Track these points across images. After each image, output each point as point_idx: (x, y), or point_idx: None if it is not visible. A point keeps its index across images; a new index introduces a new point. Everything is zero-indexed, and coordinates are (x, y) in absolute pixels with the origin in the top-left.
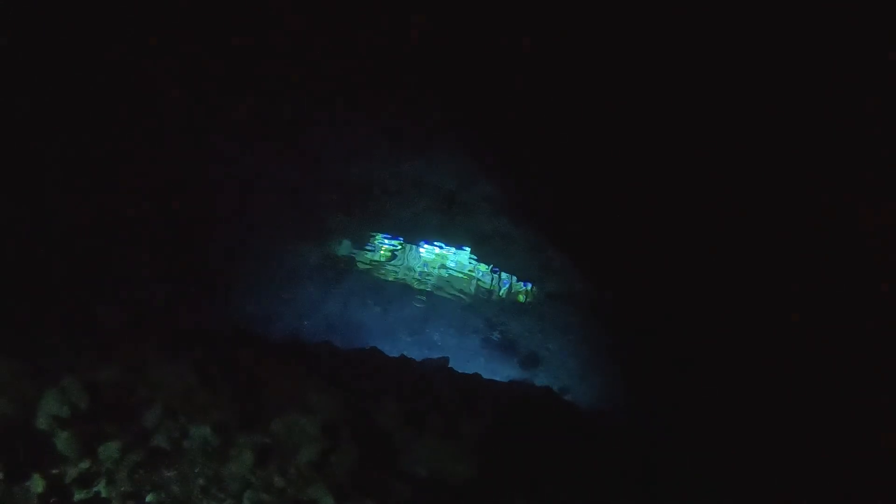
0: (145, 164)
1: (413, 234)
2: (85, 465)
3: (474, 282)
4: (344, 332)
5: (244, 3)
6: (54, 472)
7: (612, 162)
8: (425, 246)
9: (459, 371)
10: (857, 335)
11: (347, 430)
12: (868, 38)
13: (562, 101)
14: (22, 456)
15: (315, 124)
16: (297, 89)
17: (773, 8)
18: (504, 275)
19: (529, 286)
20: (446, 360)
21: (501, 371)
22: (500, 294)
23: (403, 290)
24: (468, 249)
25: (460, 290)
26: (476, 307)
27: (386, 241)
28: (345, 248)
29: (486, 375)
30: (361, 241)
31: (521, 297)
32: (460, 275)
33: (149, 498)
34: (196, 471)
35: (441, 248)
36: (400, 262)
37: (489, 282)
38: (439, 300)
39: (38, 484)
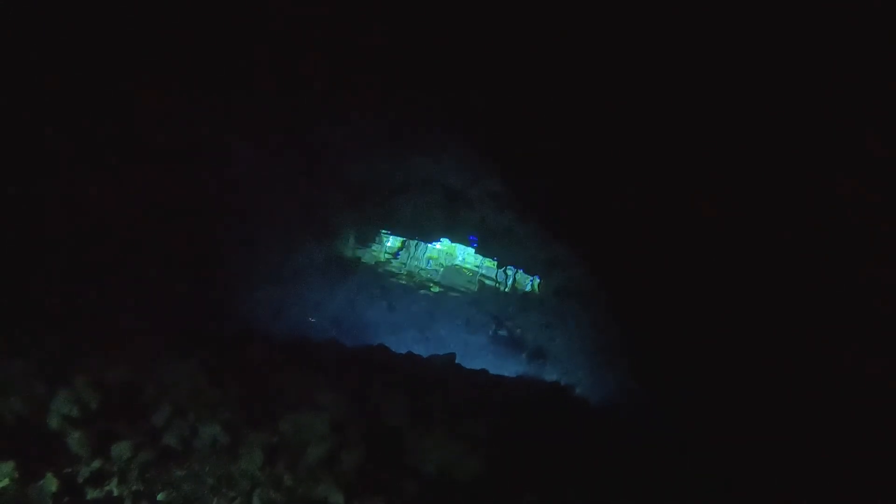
0: (153, 165)
1: (419, 230)
2: (97, 464)
3: (480, 277)
4: (351, 330)
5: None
6: (67, 471)
7: (617, 156)
8: (431, 242)
9: (467, 367)
10: (860, 331)
11: (356, 428)
12: (868, 38)
13: (567, 96)
14: (35, 455)
15: (320, 122)
16: (301, 87)
17: (773, 8)
18: (510, 270)
19: (536, 281)
20: (453, 355)
21: (509, 366)
22: (507, 289)
23: (410, 286)
24: (474, 245)
25: (466, 286)
26: (482, 302)
27: (392, 237)
28: (351, 245)
29: (493, 371)
30: (367, 239)
31: (528, 292)
32: (466, 270)
33: (160, 496)
34: (206, 469)
35: (447, 244)
36: (406, 259)
37: (495, 277)
38: (446, 296)
39: (51, 483)
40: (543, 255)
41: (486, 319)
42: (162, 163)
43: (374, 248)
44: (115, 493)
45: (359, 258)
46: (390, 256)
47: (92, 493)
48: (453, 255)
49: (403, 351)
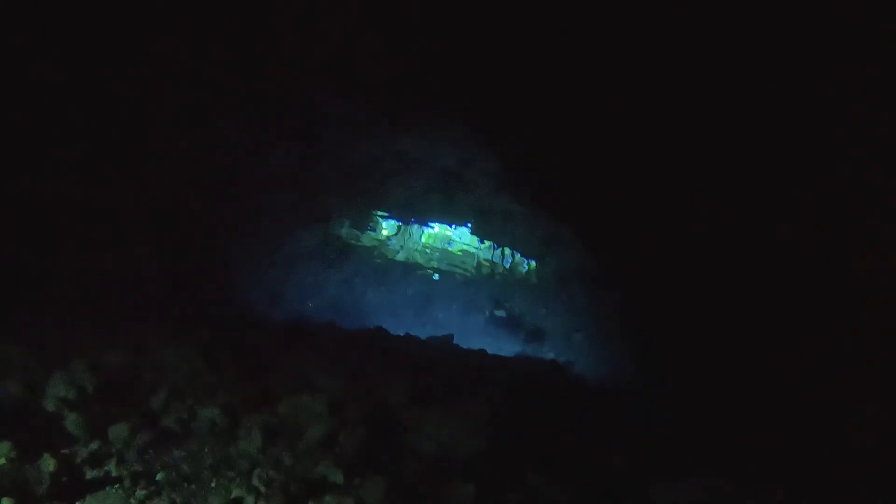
0: (146, 150)
1: (414, 213)
2: (95, 445)
3: (477, 259)
4: (348, 313)
5: None
6: (65, 452)
7: (614, 134)
8: (427, 225)
9: (465, 347)
10: (860, 315)
11: (354, 408)
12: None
13: (561, 74)
14: (32, 437)
15: (313, 106)
16: (294, 71)
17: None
18: (507, 251)
19: (533, 261)
20: (451, 336)
21: (507, 346)
22: (504, 270)
23: (406, 269)
24: (470, 226)
25: (463, 268)
26: (479, 284)
27: (388, 220)
28: (347, 229)
29: (491, 351)
30: (363, 222)
31: (525, 273)
32: (463, 252)
33: (159, 476)
34: (205, 450)
35: (443, 226)
36: (402, 242)
37: (492, 258)
38: (443, 278)
39: (48, 463)
40: (540, 235)
41: (484, 301)
42: (154, 149)
43: (370, 231)
44: (114, 472)
45: (355, 242)
46: (386, 240)
47: (90, 474)
48: (449, 237)
49: (401, 333)
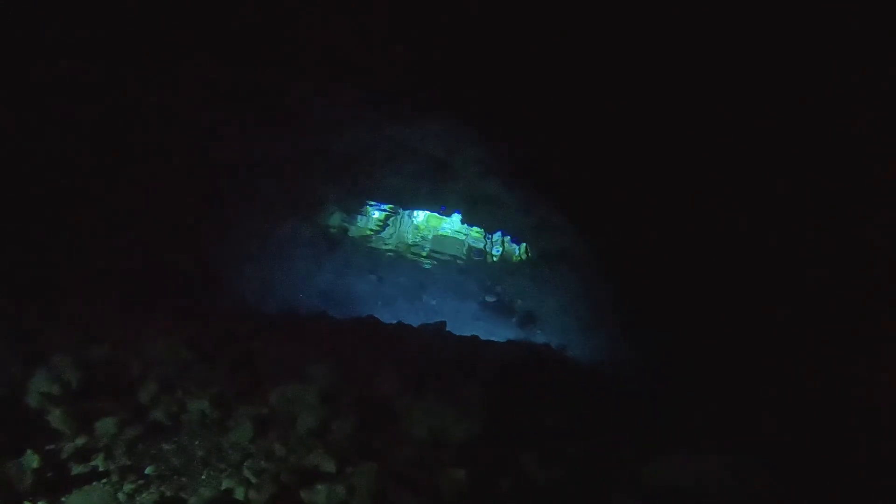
0: (130, 143)
1: (404, 200)
2: (81, 440)
3: (467, 245)
4: (340, 303)
5: None
6: (49, 448)
7: (602, 117)
8: (417, 212)
9: (457, 334)
10: (858, 289)
11: (347, 397)
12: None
13: (547, 58)
14: (14, 434)
15: (299, 94)
16: (278, 58)
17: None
18: (497, 236)
19: (523, 246)
20: (443, 323)
21: (500, 332)
22: (494, 256)
23: (397, 257)
24: (460, 213)
25: (454, 255)
26: (471, 270)
27: (377, 209)
28: (336, 218)
29: (484, 337)
30: (353, 211)
31: (515, 258)
32: (453, 239)
33: (148, 470)
34: (196, 443)
35: (433, 213)
36: (392, 230)
37: (482, 244)
38: (434, 265)
39: (32, 459)
40: (530, 220)
41: (476, 287)
42: (142, 142)
43: (359, 220)
44: (101, 467)
45: (345, 231)
46: (377, 228)
47: (77, 469)
48: (439, 224)
49: (394, 321)
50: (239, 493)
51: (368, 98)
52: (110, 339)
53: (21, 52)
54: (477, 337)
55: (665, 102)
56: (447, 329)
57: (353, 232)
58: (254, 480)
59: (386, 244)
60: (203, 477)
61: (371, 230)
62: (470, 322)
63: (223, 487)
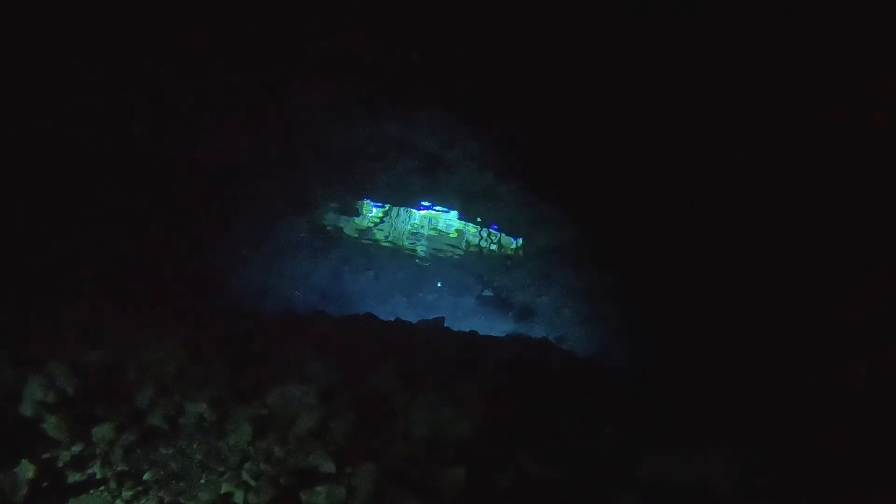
0: (127, 145)
1: (399, 197)
2: (78, 448)
3: (464, 240)
4: (338, 301)
5: None
6: (45, 456)
7: (596, 109)
8: (413, 208)
9: (455, 329)
10: (854, 282)
11: (345, 397)
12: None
13: (541, 52)
14: (9, 443)
15: (293, 93)
16: (272, 57)
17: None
18: (493, 231)
19: (519, 240)
20: (442, 319)
21: (497, 326)
22: (491, 250)
23: (394, 253)
24: (456, 208)
25: (451, 250)
26: (468, 265)
27: (373, 206)
28: (332, 216)
29: (482, 331)
30: (348, 209)
31: (512, 252)
32: (449, 234)
33: (146, 476)
34: (194, 446)
35: (428, 208)
36: (388, 227)
37: (479, 239)
38: (431, 261)
39: (27, 469)
40: (525, 214)
41: (473, 282)
42: (137, 143)
43: (355, 217)
44: (99, 474)
45: (341, 229)
46: (372, 225)
47: (73, 477)
48: (436, 219)
49: (392, 318)
50: (238, 498)
51: (363, 95)
52: (106, 342)
53: (20, 52)
54: (475, 332)
55: (662, 95)
56: (445, 325)
57: (350, 229)
58: (253, 484)
59: (383, 241)
60: (202, 481)
61: (368, 227)
62: (468, 317)
63: (222, 491)
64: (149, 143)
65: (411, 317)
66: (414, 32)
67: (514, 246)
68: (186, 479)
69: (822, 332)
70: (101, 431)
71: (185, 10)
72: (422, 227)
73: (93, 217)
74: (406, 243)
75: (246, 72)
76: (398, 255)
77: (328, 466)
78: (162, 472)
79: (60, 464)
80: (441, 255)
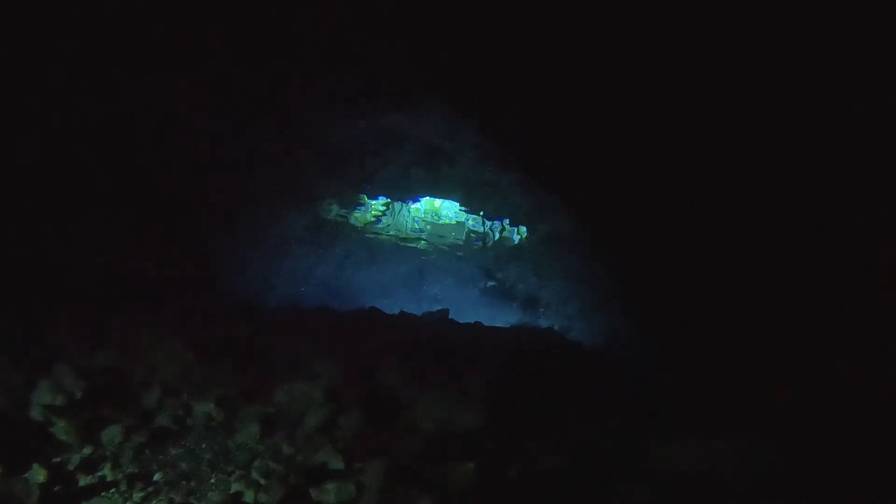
0: (129, 144)
1: (401, 189)
2: (88, 450)
3: (466, 231)
4: (342, 295)
5: None
6: (56, 460)
7: (597, 96)
8: (415, 199)
9: (460, 321)
10: (859, 269)
11: (352, 393)
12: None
13: (541, 41)
14: (20, 448)
15: (293, 87)
16: (272, 52)
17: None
18: (496, 221)
19: (522, 230)
20: (446, 311)
21: (502, 317)
22: (494, 241)
23: (397, 246)
24: (458, 199)
25: (453, 241)
26: (471, 257)
27: (375, 199)
28: (334, 210)
29: (487, 323)
30: (350, 202)
31: (515, 242)
32: (452, 226)
33: (156, 477)
34: (203, 446)
35: (430, 200)
36: (391, 219)
37: (481, 230)
38: (434, 253)
39: (38, 473)
40: (528, 203)
41: (477, 273)
42: (136, 139)
43: (357, 211)
44: (109, 477)
45: (343, 223)
46: (375, 218)
47: (84, 480)
48: (438, 211)
49: (396, 312)
50: (248, 497)
51: (363, 88)
52: (112, 344)
53: (20, 52)
54: (480, 323)
55: (661, 82)
56: (450, 317)
57: (352, 223)
58: (262, 482)
59: (385, 233)
60: (212, 481)
61: (370, 220)
62: (472, 308)
63: (232, 491)
64: (150, 142)
65: (415, 310)
66: (415, 24)
67: (517, 236)
68: (196, 479)
69: (832, 321)
70: (111, 434)
71: (187, 4)
72: (424, 218)
73: (95, 218)
74: (409, 235)
75: (245, 66)
76: (400, 248)
77: (337, 463)
78: (172, 473)
79: (71, 467)
80: (443, 246)
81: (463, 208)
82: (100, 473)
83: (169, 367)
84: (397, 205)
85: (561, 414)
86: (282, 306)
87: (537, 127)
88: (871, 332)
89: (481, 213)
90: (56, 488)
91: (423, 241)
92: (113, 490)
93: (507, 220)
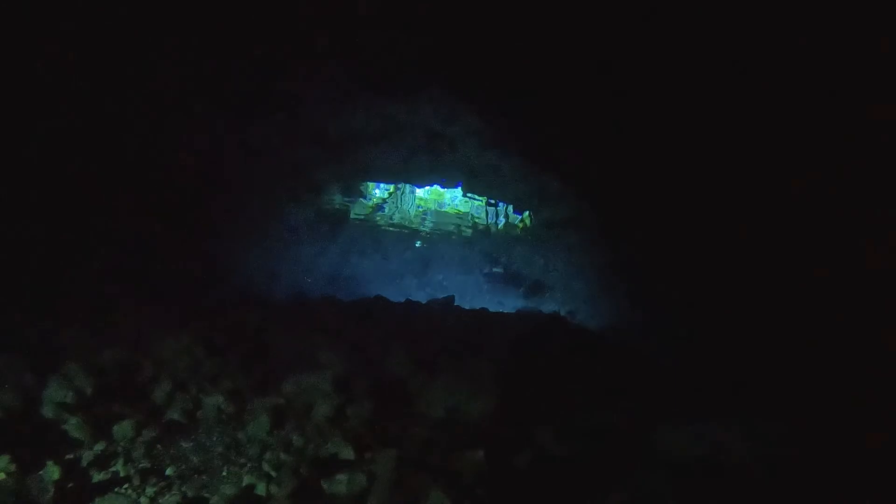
0: (128, 135)
1: (404, 177)
2: (100, 446)
3: (470, 217)
4: (347, 285)
5: None
6: (69, 457)
7: (599, 80)
8: (417, 187)
9: (466, 308)
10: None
11: (360, 382)
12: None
13: (542, 26)
14: (32, 447)
15: (291, 77)
16: (268, 41)
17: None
18: (499, 207)
19: (526, 215)
20: (452, 298)
21: (508, 302)
22: (498, 226)
23: (401, 234)
24: (461, 186)
25: (458, 228)
26: (475, 242)
27: (378, 187)
28: (338, 200)
29: (492, 308)
30: (353, 191)
31: (519, 227)
32: (456, 212)
33: (168, 471)
34: (214, 439)
35: (433, 187)
36: (394, 207)
37: (485, 215)
38: (438, 240)
39: (52, 471)
40: (531, 188)
41: (481, 259)
42: (139, 134)
43: (360, 200)
44: (122, 472)
45: (347, 212)
46: (378, 206)
47: (97, 476)
48: (441, 198)
49: (402, 300)
50: (260, 489)
51: (363, 75)
52: (121, 340)
53: (19, 52)
54: (486, 309)
55: (666, 63)
56: (455, 303)
57: (356, 211)
58: (274, 474)
59: (389, 221)
60: (224, 474)
61: (373, 208)
62: (478, 294)
63: (244, 483)
64: (151, 137)
65: (421, 297)
66: (412, 12)
67: (521, 221)
68: (208, 472)
69: (838, 306)
70: (122, 429)
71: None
72: (427, 205)
73: (99, 213)
74: (412, 222)
75: (246, 56)
76: (405, 235)
77: (347, 453)
78: (184, 467)
79: (84, 464)
80: (448, 232)
81: (467, 194)
82: (112, 469)
83: (178, 361)
84: (400, 192)
85: (568, 399)
86: (288, 297)
87: (540, 111)
88: (885, 311)
89: (485, 199)
90: (70, 485)
91: (427, 228)
92: (126, 485)
93: (511, 206)
